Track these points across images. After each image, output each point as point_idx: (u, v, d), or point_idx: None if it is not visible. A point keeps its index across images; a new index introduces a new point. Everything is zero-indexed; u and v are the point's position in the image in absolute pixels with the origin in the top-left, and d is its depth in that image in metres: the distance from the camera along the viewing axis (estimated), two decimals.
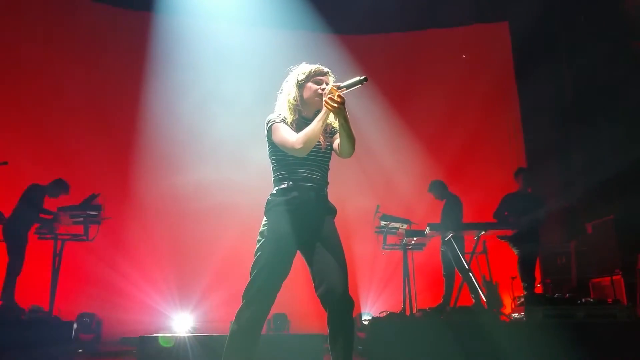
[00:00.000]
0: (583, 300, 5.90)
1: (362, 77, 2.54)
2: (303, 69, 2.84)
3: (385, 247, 6.89)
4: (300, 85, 2.82)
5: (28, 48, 8.84)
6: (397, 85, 9.70)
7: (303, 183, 2.70)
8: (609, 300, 6.13)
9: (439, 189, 7.39)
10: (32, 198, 6.71)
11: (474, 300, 6.57)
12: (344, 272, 2.61)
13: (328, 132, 2.85)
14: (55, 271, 6.46)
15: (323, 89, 2.70)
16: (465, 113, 9.48)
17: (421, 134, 9.35)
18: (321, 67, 2.84)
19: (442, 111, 9.53)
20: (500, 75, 9.94)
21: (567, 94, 9.44)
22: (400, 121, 9.32)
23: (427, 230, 6.22)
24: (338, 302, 2.55)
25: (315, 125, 2.61)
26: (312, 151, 2.71)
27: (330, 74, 2.85)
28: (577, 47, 9.15)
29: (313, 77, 2.81)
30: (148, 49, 9.14)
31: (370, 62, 9.37)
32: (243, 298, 2.63)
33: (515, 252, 6.85)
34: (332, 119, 2.83)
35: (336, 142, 2.79)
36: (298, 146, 2.60)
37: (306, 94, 2.80)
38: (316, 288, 2.61)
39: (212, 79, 9.20)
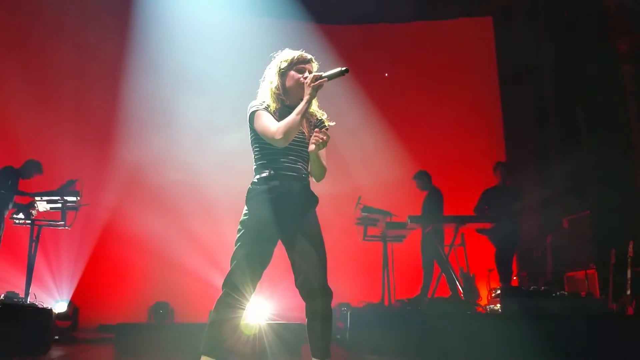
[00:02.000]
0: (557, 293, 6.00)
1: (344, 68, 2.55)
2: (286, 56, 2.78)
3: (366, 238, 6.93)
4: (282, 74, 2.77)
5: (3, 27, 8.66)
6: (380, 77, 9.71)
7: (285, 172, 2.67)
8: (583, 293, 6.25)
9: (423, 179, 7.41)
10: (4, 181, 6.59)
11: (451, 292, 6.65)
12: (323, 263, 2.62)
13: (313, 123, 2.83)
14: (32, 257, 6.37)
15: (305, 78, 2.67)
16: (448, 106, 9.51)
17: (403, 126, 9.37)
18: (304, 55, 2.79)
19: (424, 104, 9.58)
20: (483, 69, 10.01)
21: (548, 90, 9.54)
22: (382, 113, 9.33)
23: (408, 222, 6.27)
24: (316, 292, 2.56)
25: (295, 116, 2.59)
26: (295, 141, 2.68)
27: (313, 60, 2.80)
28: (559, 43, 9.24)
29: (296, 65, 2.75)
30: (126, 33, 8.99)
31: (353, 52, 9.36)
32: (223, 287, 2.62)
33: (494, 245, 6.93)
34: (315, 108, 2.84)
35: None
36: (278, 137, 2.58)
37: (288, 82, 2.75)
38: (295, 278, 2.62)
39: (192, 65, 9.07)
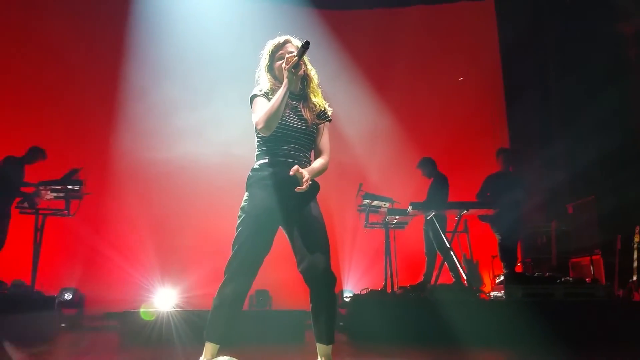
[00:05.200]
0: (562, 279, 5.99)
1: (304, 42, 2.63)
2: (265, 52, 2.83)
3: (368, 225, 6.92)
4: (270, 69, 2.82)
5: (5, 18, 8.64)
6: (380, 63, 9.64)
7: (285, 159, 2.66)
8: (588, 279, 6.24)
9: (428, 166, 7.36)
10: (9, 171, 6.60)
11: (454, 279, 6.64)
12: (325, 248, 2.62)
13: (317, 113, 2.82)
14: (37, 246, 6.39)
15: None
16: (449, 92, 9.44)
17: (405, 112, 9.32)
18: (278, 41, 2.82)
19: (426, 90, 9.51)
20: (485, 54, 9.91)
21: (551, 75, 9.46)
22: (384, 100, 9.28)
23: (410, 209, 6.25)
24: (320, 277, 2.57)
25: (272, 105, 2.59)
26: (297, 128, 2.70)
27: (289, 40, 2.82)
28: (562, 27, 9.15)
29: (274, 54, 2.80)
30: (129, 22, 8.97)
31: (353, 38, 9.32)
32: (225, 273, 2.62)
33: (495, 233, 6.89)
34: (319, 100, 2.83)
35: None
36: (259, 127, 2.60)
37: (278, 74, 2.79)
38: (298, 264, 2.62)
39: (193, 50, 9.07)
